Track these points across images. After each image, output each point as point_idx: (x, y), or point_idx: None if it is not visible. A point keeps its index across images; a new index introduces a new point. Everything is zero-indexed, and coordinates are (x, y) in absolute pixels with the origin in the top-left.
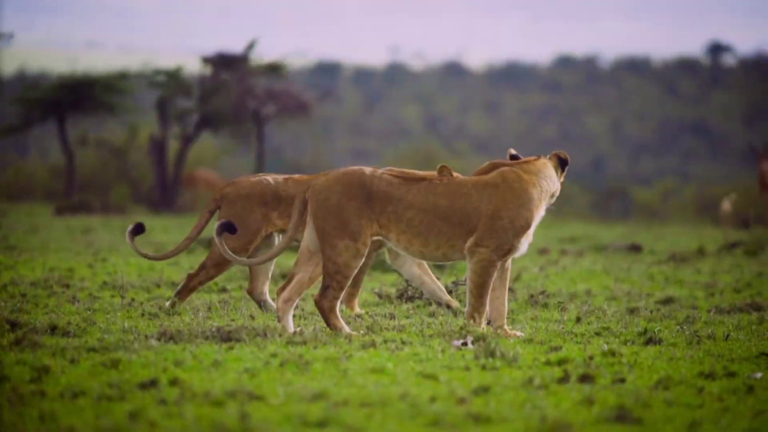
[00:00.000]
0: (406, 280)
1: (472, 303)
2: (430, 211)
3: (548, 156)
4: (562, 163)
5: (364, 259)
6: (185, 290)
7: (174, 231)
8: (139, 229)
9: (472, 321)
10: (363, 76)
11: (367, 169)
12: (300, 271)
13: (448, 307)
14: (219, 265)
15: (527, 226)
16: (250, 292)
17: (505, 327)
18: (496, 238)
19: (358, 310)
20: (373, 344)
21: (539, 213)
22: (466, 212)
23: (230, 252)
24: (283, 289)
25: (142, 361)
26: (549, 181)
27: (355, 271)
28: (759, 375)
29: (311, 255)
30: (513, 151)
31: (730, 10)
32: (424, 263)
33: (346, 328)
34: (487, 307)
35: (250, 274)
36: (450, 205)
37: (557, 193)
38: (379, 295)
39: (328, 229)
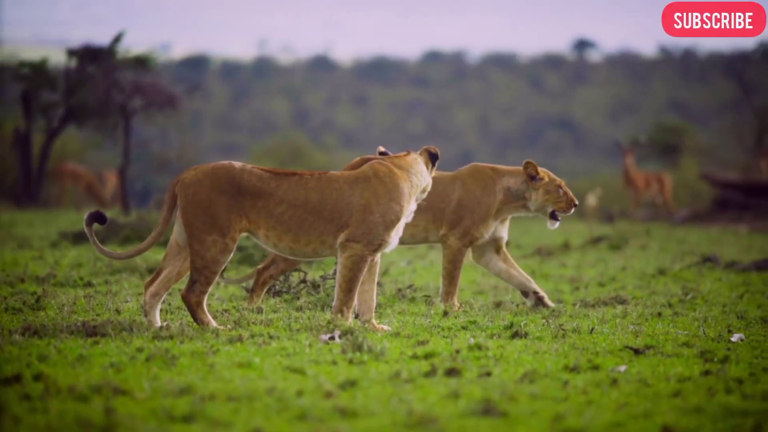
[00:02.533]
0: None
1: (340, 297)
2: (301, 206)
3: (419, 151)
4: (432, 158)
5: (231, 255)
6: (257, 285)
7: (38, 225)
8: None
9: (340, 315)
10: (230, 69)
11: (237, 164)
12: (168, 266)
13: (538, 298)
14: (288, 259)
15: (397, 220)
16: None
17: (373, 321)
18: (368, 232)
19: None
20: (240, 339)
21: (409, 207)
22: (337, 207)
23: (99, 244)
24: (150, 283)
25: (6, 356)
26: (419, 176)
27: (223, 266)
28: (623, 368)
29: (180, 249)
30: (382, 149)
31: (595, 8)
32: (510, 257)
33: (213, 323)
34: (355, 301)
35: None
36: (321, 200)
37: (428, 188)
38: (247, 290)
39: (196, 223)
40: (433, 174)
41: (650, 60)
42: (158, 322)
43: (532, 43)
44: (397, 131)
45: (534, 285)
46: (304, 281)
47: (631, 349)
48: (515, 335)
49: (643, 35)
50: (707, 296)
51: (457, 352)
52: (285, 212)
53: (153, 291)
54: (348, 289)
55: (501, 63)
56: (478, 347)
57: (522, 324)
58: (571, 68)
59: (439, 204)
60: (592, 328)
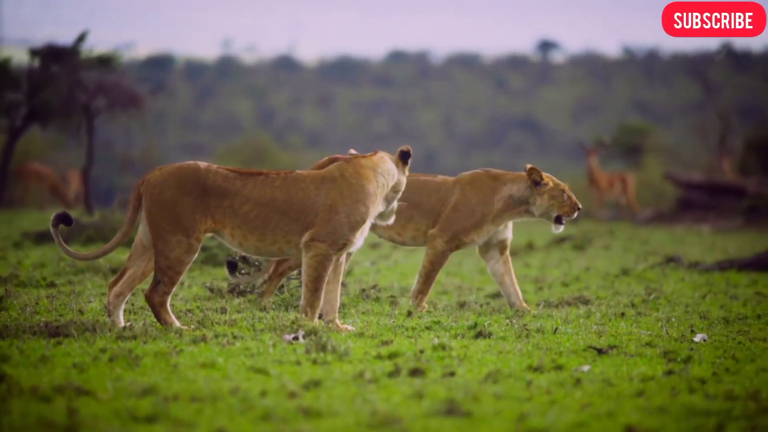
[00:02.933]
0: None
1: (306, 297)
2: (267, 205)
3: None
4: (403, 156)
5: (196, 256)
6: (274, 275)
7: (1, 225)
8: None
9: (305, 315)
10: (194, 69)
11: (202, 164)
12: (132, 266)
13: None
14: None
15: (363, 221)
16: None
17: (337, 321)
18: (332, 232)
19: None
20: (204, 339)
21: (376, 208)
22: (303, 206)
23: (65, 245)
24: (114, 283)
25: None
26: (386, 176)
27: (188, 267)
28: (586, 368)
29: (144, 250)
30: (353, 151)
31: (558, 9)
32: (510, 263)
33: (177, 323)
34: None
35: None
36: (287, 200)
37: (400, 187)
38: (211, 290)
39: (161, 224)
40: (407, 172)
41: (614, 61)
42: (122, 323)
43: (495, 43)
44: (362, 131)
45: (518, 301)
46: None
47: (594, 349)
48: (479, 335)
49: (606, 36)
50: (670, 296)
51: (421, 352)
52: (251, 212)
53: (117, 291)
54: (314, 288)
55: (465, 63)
56: (442, 347)
57: (486, 324)
58: (534, 69)
59: (440, 208)
60: (556, 328)
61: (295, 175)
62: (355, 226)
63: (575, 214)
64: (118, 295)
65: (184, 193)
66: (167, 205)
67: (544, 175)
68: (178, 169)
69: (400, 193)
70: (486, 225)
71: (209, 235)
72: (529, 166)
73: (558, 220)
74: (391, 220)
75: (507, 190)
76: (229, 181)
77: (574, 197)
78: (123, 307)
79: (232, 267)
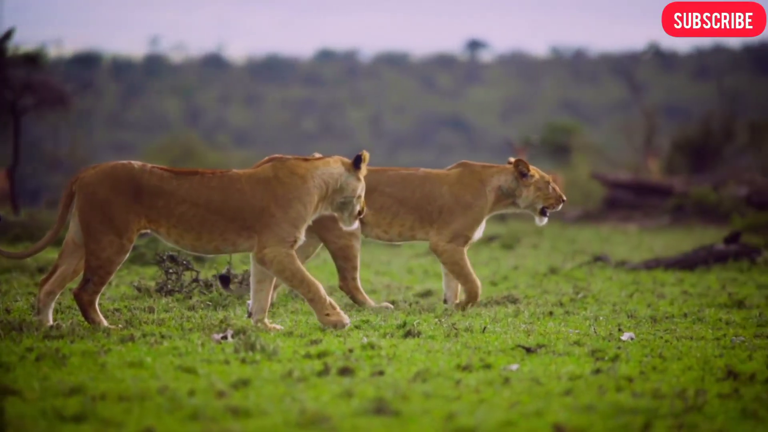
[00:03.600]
0: None
1: (308, 297)
2: (203, 205)
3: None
4: (354, 161)
5: (127, 255)
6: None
7: None
8: None
9: (327, 313)
10: (122, 67)
11: (137, 163)
12: (63, 264)
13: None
14: (348, 258)
15: (302, 219)
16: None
17: (266, 320)
18: (273, 233)
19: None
20: (132, 338)
21: (315, 208)
22: (239, 206)
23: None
24: (45, 281)
25: None
26: (326, 178)
27: (119, 267)
28: (515, 367)
29: (76, 248)
30: (317, 155)
31: (487, 8)
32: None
33: (104, 322)
34: (251, 300)
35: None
36: (224, 200)
37: (350, 191)
38: (138, 289)
39: (93, 223)
40: (361, 178)
41: (541, 60)
42: (49, 321)
43: (424, 42)
44: (290, 130)
45: (453, 297)
46: (196, 280)
47: (522, 347)
48: (408, 334)
49: (534, 36)
50: (598, 295)
51: (350, 351)
52: (187, 212)
53: (48, 289)
54: (300, 283)
55: (393, 62)
56: (371, 346)
57: (415, 323)
58: (462, 68)
59: (426, 206)
60: (485, 327)
61: (231, 174)
62: (296, 223)
63: (560, 206)
64: (48, 293)
65: (118, 193)
66: (100, 205)
67: (530, 167)
68: (112, 168)
69: (356, 198)
70: (484, 217)
71: (143, 232)
72: (516, 158)
73: (543, 212)
74: (355, 225)
75: (496, 182)
76: (165, 181)
77: (558, 189)
78: (52, 305)
79: (225, 280)
